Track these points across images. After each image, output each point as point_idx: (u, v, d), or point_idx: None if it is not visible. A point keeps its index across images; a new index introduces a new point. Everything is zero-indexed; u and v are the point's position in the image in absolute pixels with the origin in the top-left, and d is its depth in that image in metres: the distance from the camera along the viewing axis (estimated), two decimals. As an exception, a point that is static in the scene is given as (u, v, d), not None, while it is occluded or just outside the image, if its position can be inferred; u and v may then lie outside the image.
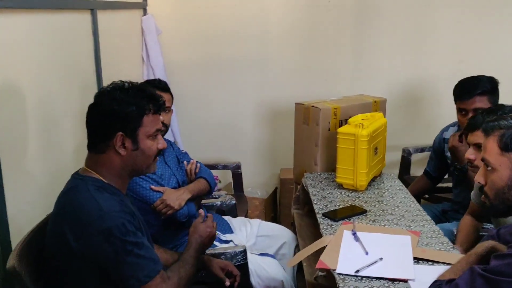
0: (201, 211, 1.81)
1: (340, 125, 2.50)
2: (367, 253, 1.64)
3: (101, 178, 1.48)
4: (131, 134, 1.45)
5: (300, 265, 2.34)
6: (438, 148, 2.62)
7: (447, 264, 1.56)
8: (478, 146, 1.83)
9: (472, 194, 2.16)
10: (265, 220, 2.68)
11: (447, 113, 3.61)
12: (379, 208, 2.05)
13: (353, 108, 2.53)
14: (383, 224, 1.90)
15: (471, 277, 1.17)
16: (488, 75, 3.40)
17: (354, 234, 1.77)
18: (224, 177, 3.64)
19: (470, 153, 1.85)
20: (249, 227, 2.40)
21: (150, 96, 1.51)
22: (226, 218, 2.43)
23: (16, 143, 1.72)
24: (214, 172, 2.66)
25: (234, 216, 2.53)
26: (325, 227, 1.88)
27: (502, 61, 3.42)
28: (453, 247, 1.71)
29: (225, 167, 3.23)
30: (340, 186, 2.29)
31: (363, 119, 2.25)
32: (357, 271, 1.52)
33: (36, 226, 1.56)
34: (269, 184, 3.81)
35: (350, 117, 2.50)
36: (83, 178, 1.47)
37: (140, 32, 3.38)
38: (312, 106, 2.46)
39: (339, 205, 2.08)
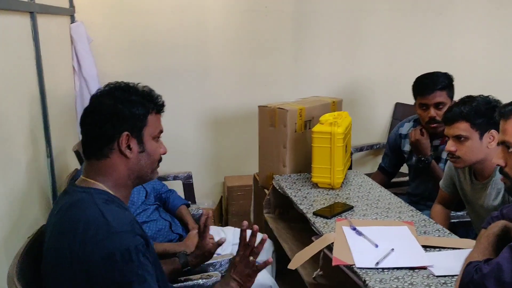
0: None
1: (305, 126, 2.51)
2: (376, 246, 1.64)
3: (106, 189, 1.34)
4: (137, 134, 1.36)
5: (280, 269, 2.32)
6: (394, 144, 2.72)
7: (454, 248, 1.62)
8: (457, 138, 1.92)
9: (441, 183, 2.27)
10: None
11: (381, 113, 3.83)
12: (363, 203, 2.08)
13: (316, 109, 2.55)
14: (374, 217, 1.93)
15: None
16: (415, 75, 3.66)
17: (354, 229, 1.78)
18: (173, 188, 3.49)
19: (450, 145, 1.93)
20: (223, 236, 2.31)
21: (151, 95, 1.42)
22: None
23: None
24: (165, 183, 2.56)
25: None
26: (321, 225, 1.86)
27: (427, 61, 3.66)
28: (450, 232, 1.78)
29: (175, 177, 3.10)
30: (315, 186, 2.29)
31: (334, 118, 2.28)
32: (377, 264, 1.52)
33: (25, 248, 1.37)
34: (214, 193, 3.74)
35: (313, 117, 2.53)
36: (87, 190, 1.32)
37: (69, 41, 3.15)
38: (278, 108, 2.44)
39: (323, 204, 2.08)
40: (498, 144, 1.39)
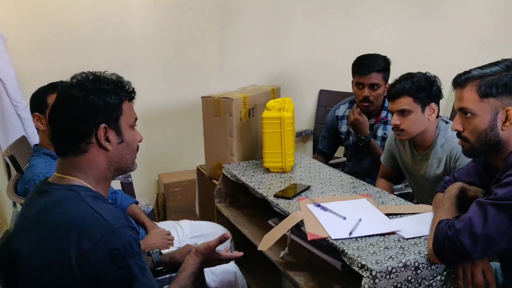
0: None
1: (250, 114, 2.55)
2: (344, 218, 1.73)
3: (88, 185, 1.29)
4: (114, 125, 1.33)
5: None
6: (332, 126, 2.85)
7: (414, 214, 1.75)
8: (401, 112, 2.07)
9: (382, 158, 2.42)
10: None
11: (307, 100, 3.97)
12: (317, 182, 2.16)
13: (258, 97, 2.60)
14: (332, 194, 2.02)
15: (481, 208, 1.35)
16: (336, 62, 3.84)
17: (319, 206, 1.85)
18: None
19: (395, 119, 2.08)
20: (179, 230, 2.30)
21: (122, 83, 1.38)
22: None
23: None
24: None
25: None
26: (284, 206, 1.91)
27: (346, 49, 3.85)
28: (404, 201, 1.91)
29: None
30: (267, 170, 2.34)
31: (280, 103, 2.34)
32: (350, 233, 1.60)
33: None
34: (149, 192, 3.66)
35: (256, 105, 2.58)
36: (70, 187, 1.26)
37: (-21, 40, 2.94)
38: (222, 97, 2.46)
39: (280, 186, 2.13)
40: (455, 111, 1.52)
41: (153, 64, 3.48)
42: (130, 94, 1.38)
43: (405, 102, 2.05)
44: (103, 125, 1.29)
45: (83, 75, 1.34)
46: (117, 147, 1.33)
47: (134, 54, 3.43)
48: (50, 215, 1.22)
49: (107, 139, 1.31)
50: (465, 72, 1.48)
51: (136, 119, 1.41)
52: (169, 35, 3.49)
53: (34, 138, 2.97)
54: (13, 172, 3.01)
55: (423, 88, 2.03)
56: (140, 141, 1.44)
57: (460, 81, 1.48)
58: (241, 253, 1.71)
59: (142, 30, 3.42)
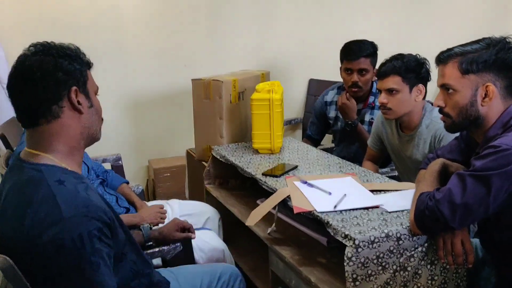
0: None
1: (239, 98, 2.59)
2: (330, 193, 1.77)
3: (58, 162, 1.26)
4: (83, 89, 1.31)
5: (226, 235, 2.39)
6: (320, 112, 2.90)
7: (396, 190, 1.80)
8: (389, 91, 2.11)
9: (369, 141, 2.47)
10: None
11: (296, 88, 4.00)
12: (304, 163, 2.21)
13: (248, 80, 2.64)
14: (318, 173, 2.06)
15: (460, 179, 1.40)
16: (326, 51, 3.87)
17: (305, 182, 1.89)
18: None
19: (383, 98, 2.12)
20: (169, 209, 2.32)
21: (81, 52, 1.36)
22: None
23: None
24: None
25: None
26: (272, 184, 1.95)
27: (335, 38, 3.88)
28: (388, 179, 1.96)
29: (104, 160, 3.02)
30: (256, 152, 2.38)
31: (269, 86, 2.38)
32: (335, 207, 1.65)
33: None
34: (139, 177, 3.69)
35: (245, 89, 2.62)
36: (37, 167, 1.23)
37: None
38: (213, 80, 2.49)
39: (268, 166, 2.17)
40: (438, 87, 1.56)
41: (143, 50, 3.50)
42: (89, 63, 1.36)
43: (394, 81, 2.09)
44: (74, 87, 1.28)
45: (45, 43, 1.31)
46: (88, 111, 1.32)
47: (124, 40, 3.44)
48: (14, 196, 1.23)
49: (79, 103, 1.29)
50: (448, 50, 1.53)
51: (97, 89, 1.40)
52: (160, 20, 3.51)
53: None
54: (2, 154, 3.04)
55: (412, 68, 2.08)
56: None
57: (442, 58, 1.52)
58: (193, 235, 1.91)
59: (134, 16, 3.44)
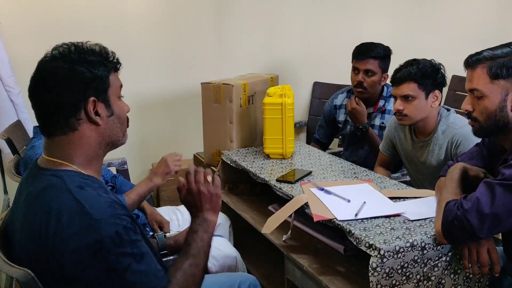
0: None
1: (249, 101, 2.56)
2: (349, 201, 1.74)
3: (77, 168, 1.22)
4: (103, 98, 1.25)
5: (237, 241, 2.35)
6: (329, 115, 2.87)
7: (417, 198, 1.77)
8: (405, 98, 2.08)
9: (381, 146, 2.44)
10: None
11: (301, 91, 3.97)
12: (318, 168, 2.18)
13: (258, 84, 2.61)
14: (333, 179, 2.03)
15: (488, 188, 1.37)
16: (331, 55, 3.85)
17: (322, 189, 1.86)
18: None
19: (399, 104, 2.09)
20: (179, 214, 2.29)
21: (107, 53, 1.30)
22: (150, 210, 2.28)
23: None
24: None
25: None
26: (288, 190, 1.92)
27: (342, 42, 3.87)
28: (406, 185, 1.93)
29: (109, 164, 2.98)
30: (267, 157, 2.35)
31: (281, 90, 2.35)
32: (356, 215, 1.61)
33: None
34: (142, 181, 3.63)
35: (255, 93, 2.59)
36: (56, 173, 1.19)
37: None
38: (223, 84, 2.46)
39: (281, 172, 2.14)
40: (466, 91, 1.52)
41: (149, 52, 3.45)
42: (115, 65, 1.30)
43: (410, 87, 2.06)
44: (92, 98, 1.21)
45: (66, 45, 1.25)
46: (107, 120, 1.26)
47: (130, 42, 3.39)
48: (34, 204, 1.17)
49: (97, 113, 1.23)
50: (476, 53, 1.49)
51: (121, 86, 1.33)
52: (166, 23, 3.46)
53: (27, 124, 2.94)
54: (4, 157, 2.99)
55: (428, 74, 2.05)
56: (128, 112, 1.35)
57: (471, 62, 1.49)
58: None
59: (139, 17, 3.39)
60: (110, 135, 1.27)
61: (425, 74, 2.04)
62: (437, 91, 2.07)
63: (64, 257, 1.09)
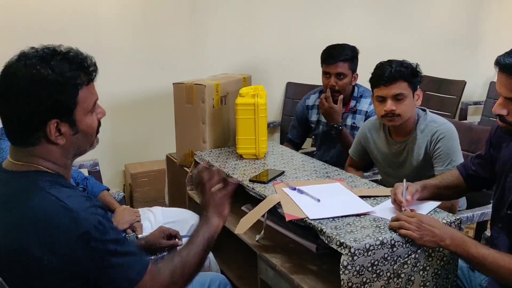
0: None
1: (222, 102, 2.55)
2: (319, 200, 1.75)
3: (44, 168, 1.20)
4: (67, 118, 1.17)
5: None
6: (302, 115, 2.88)
7: (386, 196, 1.79)
8: (396, 97, 2.04)
9: (351, 151, 2.44)
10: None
11: (275, 92, 3.99)
12: (290, 168, 2.19)
13: (230, 84, 2.61)
14: (306, 179, 2.05)
15: None
16: (304, 55, 3.87)
17: (294, 189, 1.87)
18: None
19: (391, 105, 2.03)
20: (151, 216, 2.28)
21: (80, 64, 1.20)
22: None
23: None
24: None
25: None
26: (261, 190, 1.93)
27: (315, 42, 3.88)
28: (376, 184, 1.96)
29: (81, 166, 2.94)
30: (240, 157, 2.35)
31: (253, 90, 2.35)
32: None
33: None
34: (115, 183, 3.60)
35: (228, 93, 2.59)
36: (25, 175, 1.17)
37: None
38: (195, 84, 2.45)
39: (254, 172, 2.14)
40: (504, 98, 1.45)
41: (121, 53, 3.42)
42: (90, 76, 1.21)
43: (402, 86, 2.03)
44: (53, 121, 1.15)
45: (31, 53, 1.18)
46: (72, 138, 1.20)
47: (103, 42, 3.35)
48: (8, 209, 1.15)
49: (59, 131, 1.17)
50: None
51: (96, 100, 1.25)
52: (139, 23, 3.43)
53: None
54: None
55: (415, 73, 2.06)
56: (102, 117, 1.30)
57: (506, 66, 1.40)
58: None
59: (112, 18, 3.35)
60: (75, 149, 1.24)
61: (414, 72, 2.05)
62: (419, 90, 2.09)
63: (56, 254, 1.10)
